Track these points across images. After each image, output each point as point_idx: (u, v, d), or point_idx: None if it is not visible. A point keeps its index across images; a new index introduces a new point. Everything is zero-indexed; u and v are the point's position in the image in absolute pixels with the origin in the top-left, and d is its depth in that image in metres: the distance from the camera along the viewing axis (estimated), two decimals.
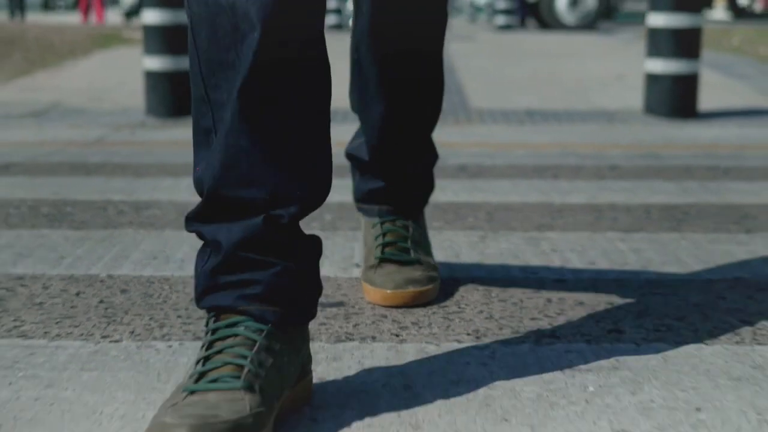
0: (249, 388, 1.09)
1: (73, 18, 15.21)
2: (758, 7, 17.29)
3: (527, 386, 1.27)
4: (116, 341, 1.44)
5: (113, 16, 15.44)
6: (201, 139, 1.18)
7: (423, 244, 1.73)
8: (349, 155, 1.72)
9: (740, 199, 2.61)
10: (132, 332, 1.49)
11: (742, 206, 2.51)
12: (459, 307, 1.62)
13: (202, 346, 1.14)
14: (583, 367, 1.34)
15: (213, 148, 1.16)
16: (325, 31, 1.16)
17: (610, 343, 1.45)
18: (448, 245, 2.05)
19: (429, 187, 1.74)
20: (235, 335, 1.14)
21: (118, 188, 2.72)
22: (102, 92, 5.49)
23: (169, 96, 4.50)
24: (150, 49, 4.47)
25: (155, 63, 4.48)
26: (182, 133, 4.02)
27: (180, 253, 1.98)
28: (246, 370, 1.10)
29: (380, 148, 1.66)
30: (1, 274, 1.81)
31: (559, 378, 1.30)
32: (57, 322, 1.53)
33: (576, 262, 1.93)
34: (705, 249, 2.04)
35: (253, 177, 1.15)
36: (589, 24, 12.92)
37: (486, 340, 1.45)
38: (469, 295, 1.70)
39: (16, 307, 1.61)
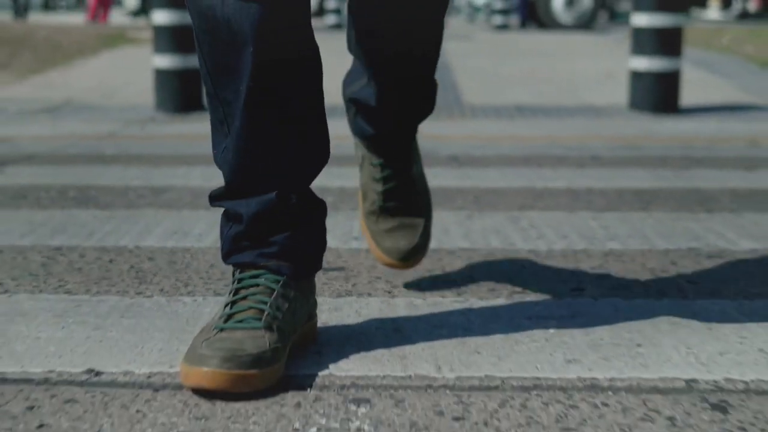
0: (268, 327, 1.32)
1: (75, 18, 15.43)
2: (752, 6, 17.53)
3: (498, 329, 1.51)
4: (148, 297, 1.68)
5: (116, 17, 15.66)
6: (216, 125, 1.41)
7: (420, 184, 1.78)
8: (351, 99, 1.72)
9: (707, 184, 2.85)
10: (161, 290, 1.73)
11: (707, 190, 2.75)
12: (444, 272, 1.86)
13: (230, 293, 1.38)
14: (546, 315, 1.58)
15: (227, 144, 1.39)
16: (324, 30, 1.38)
17: (572, 297, 1.69)
18: (438, 223, 2.29)
19: (428, 109, 1.72)
20: (257, 285, 1.38)
21: (136, 175, 2.96)
22: (111, 90, 5.73)
23: (178, 92, 4.74)
24: (159, 47, 4.71)
25: (164, 61, 4.72)
26: (190, 127, 4.25)
27: (197, 229, 2.22)
28: (266, 313, 1.34)
29: (382, 84, 1.64)
30: (41, 245, 2.05)
31: (525, 323, 1.54)
32: (96, 282, 1.77)
33: (551, 236, 2.17)
34: (667, 225, 2.28)
35: (263, 175, 1.38)
36: (586, 24, 13.15)
37: (466, 296, 1.69)
38: (453, 262, 1.93)
39: (59, 271, 1.85)
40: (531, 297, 1.69)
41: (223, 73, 1.35)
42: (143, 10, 15.54)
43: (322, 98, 1.43)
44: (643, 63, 4.70)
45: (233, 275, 1.41)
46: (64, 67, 6.83)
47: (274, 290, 1.37)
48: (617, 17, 16.27)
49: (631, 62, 4.79)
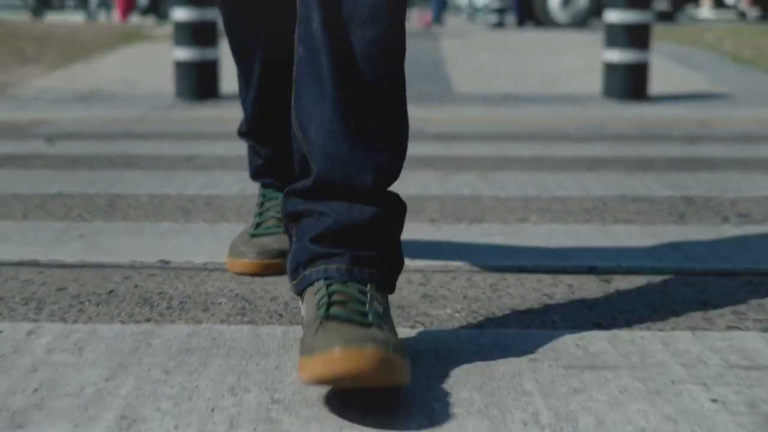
0: (286, 231, 1.84)
1: (80, 18, 15.94)
2: (743, 6, 18.02)
3: (458, 242, 2.03)
4: (195, 224, 2.21)
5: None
6: (242, 83, 1.91)
7: (385, 318, 1.26)
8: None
9: (653, 153, 3.37)
10: (203, 220, 2.25)
11: (652, 158, 3.27)
12: (422, 209, 2.38)
13: (257, 204, 1.90)
14: (495, 233, 2.11)
15: (248, 100, 1.90)
16: None
17: (518, 223, 2.21)
18: (419, 181, 2.81)
19: (398, 262, 1.41)
20: (276, 198, 1.90)
21: (168, 147, 3.48)
22: (133, 81, 6.26)
23: (196, 82, 5.27)
24: (179, 41, 5.24)
25: (184, 54, 5.24)
26: (208, 112, 4.78)
27: (226, 183, 2.74)
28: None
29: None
30: (102, 193, 2.57)
31: (479, 239, 2.06)
32: (153, 215, 2.30)
33: (511, 188, 2.69)
34: (608, 180, 2.80)
35: (272, 133, 1.89)
36: (581, 22, 13.67)
37: (436, 223, 2.22)
38: (428, 203, 2.45)
39: (122, 208, 2.37)
40: (486, 224, 2.21)
41: (242, 61, 1.87)
42: (151, 9, 16.10)
43: None
44: (616, 55, 5.21)
45: (259, 190, 1.93)
46: (86, 62, 7.36)
47: None
48: None
49: (604, 55, 5.31)
